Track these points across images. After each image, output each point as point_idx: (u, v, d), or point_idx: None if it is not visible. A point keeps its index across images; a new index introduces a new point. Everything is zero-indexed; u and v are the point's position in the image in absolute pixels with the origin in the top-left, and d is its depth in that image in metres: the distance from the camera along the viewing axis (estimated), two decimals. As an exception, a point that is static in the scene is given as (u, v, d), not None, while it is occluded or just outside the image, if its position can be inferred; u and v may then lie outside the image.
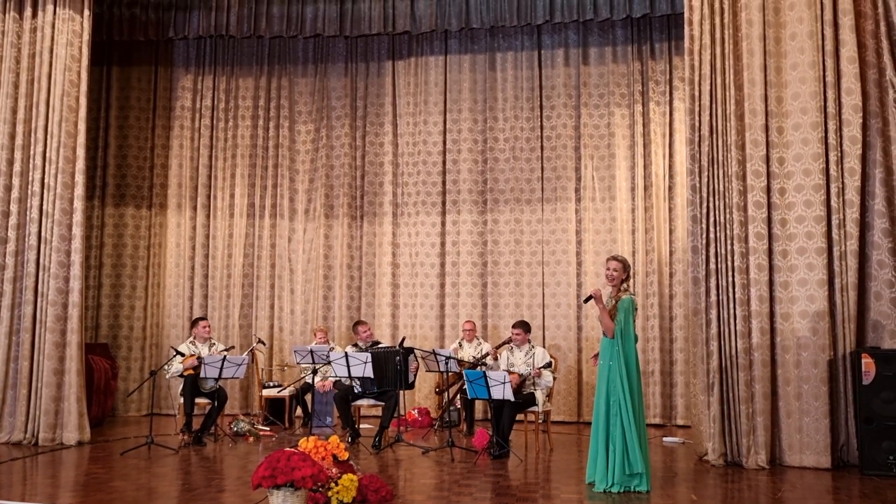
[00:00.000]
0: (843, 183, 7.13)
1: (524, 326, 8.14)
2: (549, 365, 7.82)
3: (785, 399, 7.04)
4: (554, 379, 8.11)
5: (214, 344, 8.91)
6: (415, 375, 8.45)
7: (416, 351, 8.83)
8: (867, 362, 6.64)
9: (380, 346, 8.77)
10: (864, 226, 7.14)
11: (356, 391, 8.39)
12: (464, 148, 10.76)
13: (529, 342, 8.10)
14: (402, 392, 8.50)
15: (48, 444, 8.09)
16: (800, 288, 7.08)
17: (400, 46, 11.10)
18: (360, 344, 8.77)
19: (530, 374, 7.77)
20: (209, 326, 9.00)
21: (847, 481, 6.44)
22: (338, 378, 8.62)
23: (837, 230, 7.10)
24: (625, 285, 6.21)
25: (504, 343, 8.51)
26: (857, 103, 7.13)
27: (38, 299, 8.38)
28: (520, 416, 7.97)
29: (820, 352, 6.95)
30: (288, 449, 5.24)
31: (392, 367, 8.14)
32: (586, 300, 6.28)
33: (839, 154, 7.16)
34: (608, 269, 6.24)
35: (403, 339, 8.91)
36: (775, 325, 7.13)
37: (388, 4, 10.21)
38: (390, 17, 10.20)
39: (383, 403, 8.27)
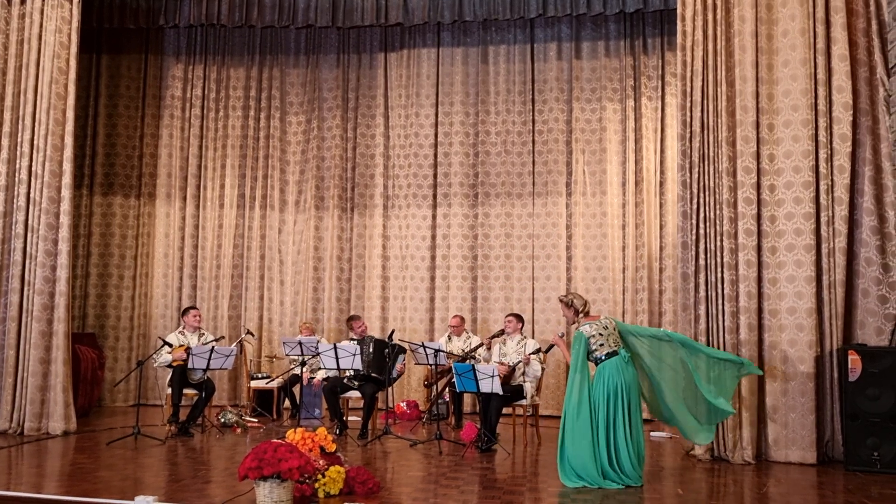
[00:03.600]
0: (832, 180, 7.16)
1: (517, 316, 8.34)
2: (538, 350, 7.83)
3: (772, 395, 7.07)
4: (542, 369, 8.13)
5: (204, 334, 8.88)
6: (398, 375, 8.57)
7: (406, 345, 8.86)
8: (853, 359, 6.67)
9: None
10: (852, 223, 7.17)
11: (345, 381, 8.43)
12: (455, 141, 10.74)
13: (522, 333, 8.22)
14: (383, 387, 8.56)
15: (34, 434, 8.05)
16: (788, 284, 7.10)
17: (392, 38, 11.06)
18: (355, 338, 8.78)
19: (520, 361, 7.81)
20: (199, 316, 8.96)
21: (832, 477, 6.48)
22: (327, 376, 8.67)
23: (826, 227, 7.12)
24: (580, 318, 6.36)
25: (496, 335, 8.52)
26: (847, 101, 7.15)
27: (25, 288, 8.32)
28: (508, 410, 7.98)
29: (807, 348, 6.98)
30: (275, 440, 5.23)
31: (380, 357, 8.22)
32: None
33: (829, 151, 7.18)
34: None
35: (392, 332, 8.90)
36: (763, 322, 7.16)
37: (380, -5, 10.17)
38: (383, 9, 10.15)
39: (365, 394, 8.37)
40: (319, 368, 9.10)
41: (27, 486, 5.83)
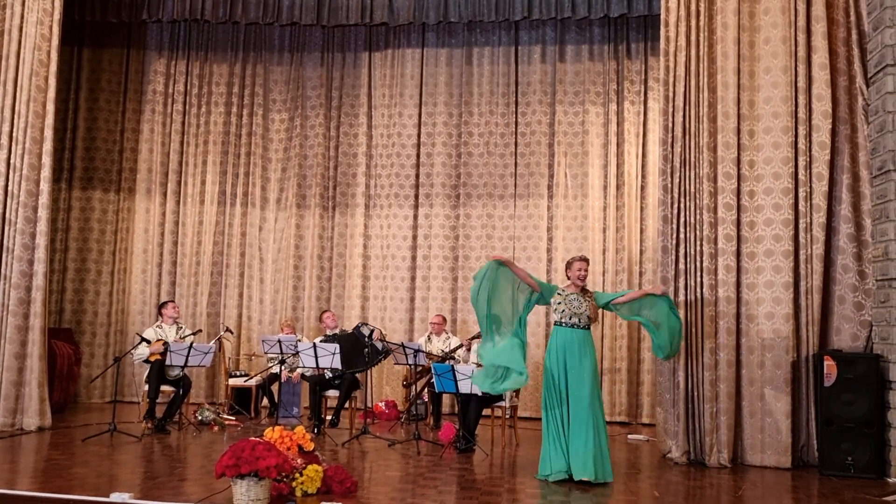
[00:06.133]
0: (811, 187, 7.23)
1: None
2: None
3: (748, 399, 7.13)
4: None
5: (182, 327, 8.82)
6: (382, 346, 8.50)
7: (386, 345, 8.85)
8: (829, 364, 6.75)
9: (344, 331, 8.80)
10: (830, 230, 7.25)
11: (327, 377, 8.43)
12: (438, 142, 10.75)
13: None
14: (363, 380, 8.54)
15: (8, 430, 7.95)
16: (766, 290, 7.17)
17: (377, 38, 11.04)
18: (329, 333, 8.76)
19: None
20: (177, 309, 8.91)
21: (806, 481, 6.55)
22: (306, 371, 8.65)
23: (804, 234, 7.20)
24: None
25: (475, 337, 8.53)
26: (827, 109, 7.23)
27: (1, 282, 8.21)
28: (486, 411, 7.99)
29: (784, 353, 7.05)
30: (253, 438, 5.21)
31: (354, 349, 8.20)
32: None
33: (808, 159, 7.26)
34: (581, 270, 6.52)
35: (373, 331, 8.86)
36: (741, 326, 7.22)
37: (366, -5, 10.16)
38: (368, 8, 10.14)
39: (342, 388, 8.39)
40: (298, 367, 9.06)
41: (1, 482, 5.75)
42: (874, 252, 7.00)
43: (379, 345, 8.41)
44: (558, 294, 6.51)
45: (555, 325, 6.53)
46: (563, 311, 6.43)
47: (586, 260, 6.65)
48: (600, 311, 6.74)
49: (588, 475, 6.06)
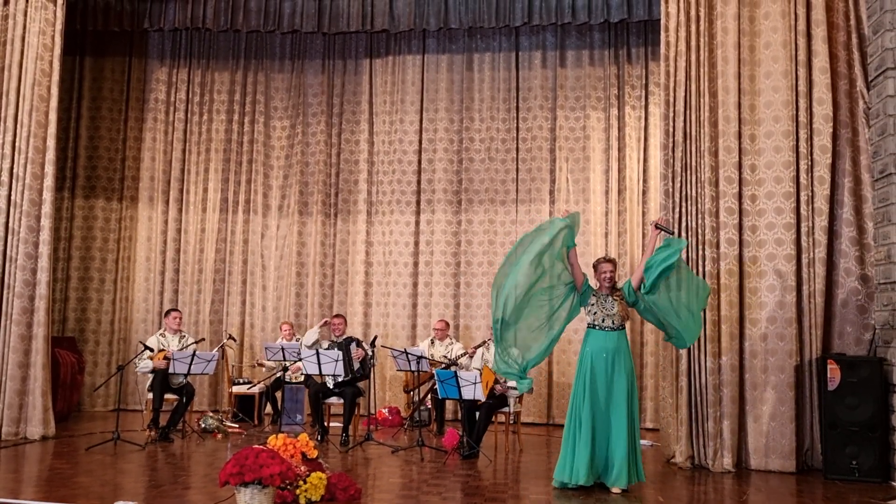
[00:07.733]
0: (812, 191, 7.23)
1: None
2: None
3: (752, 403, 7.12)
4: (525, 381, 8.13)
5: (185, 336, 8.83)
6: (360, 363, 8.42)
7: (388, 351, 8.84)
8: (832, 368, 6.74)
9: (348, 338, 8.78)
10: (832, 234, 7.25)
11: (329, 386, 8.42)
12: (439, 147, 10.76)
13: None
14: (365, 387, 8.52)
15: (11, 439, 7.96)
16: (768, 294, 7.17)
17: (378, 45, 11.07)
18: (334, 338, 8.76)
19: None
20: (180, 318, 8.91)
21: (811, 485, 6.54)
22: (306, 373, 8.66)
23: (806, 238, 7.19)
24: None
25: (480, 345, 8.51)
26: (828, 113, 7.24)
27: (5, 291, 8.24)
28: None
29: (787, 357, 7.04)
30: (257, 446, 5.22)
31: (347, 360, 8.22)
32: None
33: (809, 163, 7.26)
34: (607, 272, 6.39)
35: (375, 338, 8.88)
36: (744, 331, 7.22)
37: (366, 2, 10.15)
38: (369, 15, 10.16)
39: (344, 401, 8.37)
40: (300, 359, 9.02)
41: (4, 491, 5.77)
42: (876, 255, 7.00)
43: (356, 364, 8.37)
44: (593, 295, 6.38)
45: (588, 327, 6.36)
46: (596, 313, 6.32)
47: (611, 261, 6.50)
48: (631, 310, 6.56)
49: (621, 484, 6.02)
